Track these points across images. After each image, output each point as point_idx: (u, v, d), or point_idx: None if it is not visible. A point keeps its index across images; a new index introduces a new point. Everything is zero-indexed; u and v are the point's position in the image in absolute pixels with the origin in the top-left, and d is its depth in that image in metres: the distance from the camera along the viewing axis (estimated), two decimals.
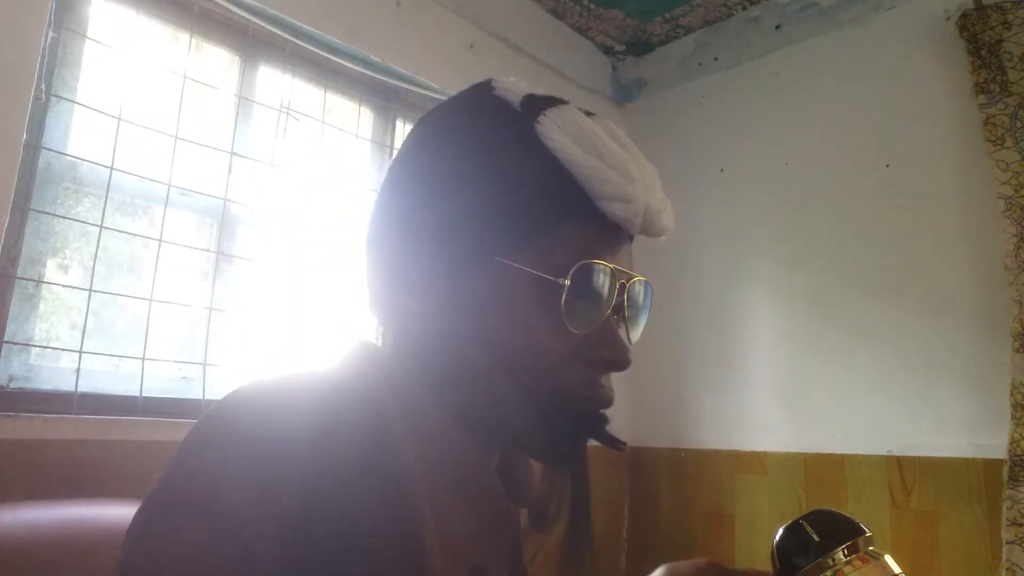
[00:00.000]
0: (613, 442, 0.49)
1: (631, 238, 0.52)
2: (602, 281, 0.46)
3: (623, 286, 0.48)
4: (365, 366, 0.50)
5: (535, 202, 0.46)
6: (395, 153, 0.54)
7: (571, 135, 0.46)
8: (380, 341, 0.58)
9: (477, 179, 0.47)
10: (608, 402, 0.48)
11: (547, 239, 0.46)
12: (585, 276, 0.46)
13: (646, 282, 0.52)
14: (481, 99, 0.51)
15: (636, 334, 0.52)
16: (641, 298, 0.51)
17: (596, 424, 0.48)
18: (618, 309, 0.48)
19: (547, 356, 0.46)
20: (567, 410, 0.47)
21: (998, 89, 1.53)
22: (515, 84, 0.51)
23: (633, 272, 0.50)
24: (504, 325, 0.46)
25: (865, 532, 0.43)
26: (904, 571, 0.41)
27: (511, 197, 0.46)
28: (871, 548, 0.42)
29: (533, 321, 0.46)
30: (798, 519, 0.44)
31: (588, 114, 0.50)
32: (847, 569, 0.41)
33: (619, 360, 0.47)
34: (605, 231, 0.47)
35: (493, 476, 0.49)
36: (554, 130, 0.46)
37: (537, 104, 0.48)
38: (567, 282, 0.45)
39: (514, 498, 0.51)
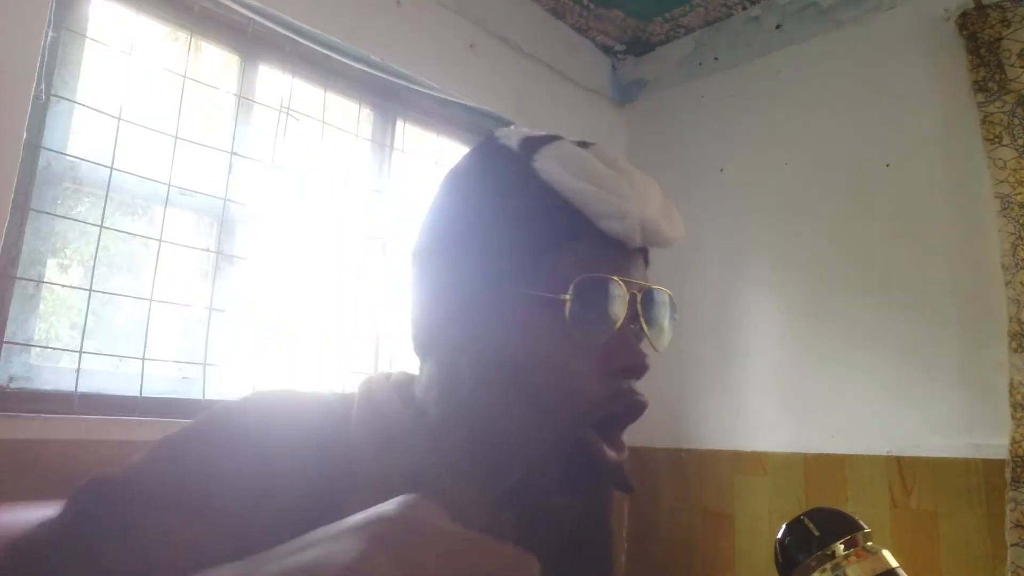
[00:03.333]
0: (625, 486, 0.50)
1: (644, 254, 0.55)
2: (607, 292, 0.49)
3: (634, 296, 0.50)
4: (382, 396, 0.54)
5: (538, 231, 0.49)
6: (431, 201, 0.59)
7: (563, 165, 0.50)
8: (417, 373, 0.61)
9: (491, 217, 0.51)
10: (638, 408, 0.50)
11: (552, 262, 0.49)
12: (587, 289, 0.48)
13: (663, 291, 0.53)
14: (487, 149, 0.56)
15: (661, 341, 0.53)
16: (658, 306, 0.53)
17: (609, 472, 0.49)
18: (633, 319, 0.50)
19: (568, 372, 0.48)
20: (584, 454, 0.48)
21: (996, 87, 1.53)
22: (514, 131, 0.56)
23: (647, 283, 0.52)
24: (524, 349, 0.49)
25: (864, 528, 0.45)
26: (902, 568, 0.43)
27: (517, 229, 0.50)
28: (869, 543, 0.44)
29: (548, 341, 0.48)
30: (799, 516, 0.46)
31: (584, 144, 0.54)
32: (845, 563, 0.43)
33: (633, 366, 0.49)
34: (608, 248, 0.50)
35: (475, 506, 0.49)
36: (548, 164, 0.50)
37: (533, 144, 0.52)
38: (568, 297, 0.47)
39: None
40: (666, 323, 0.54)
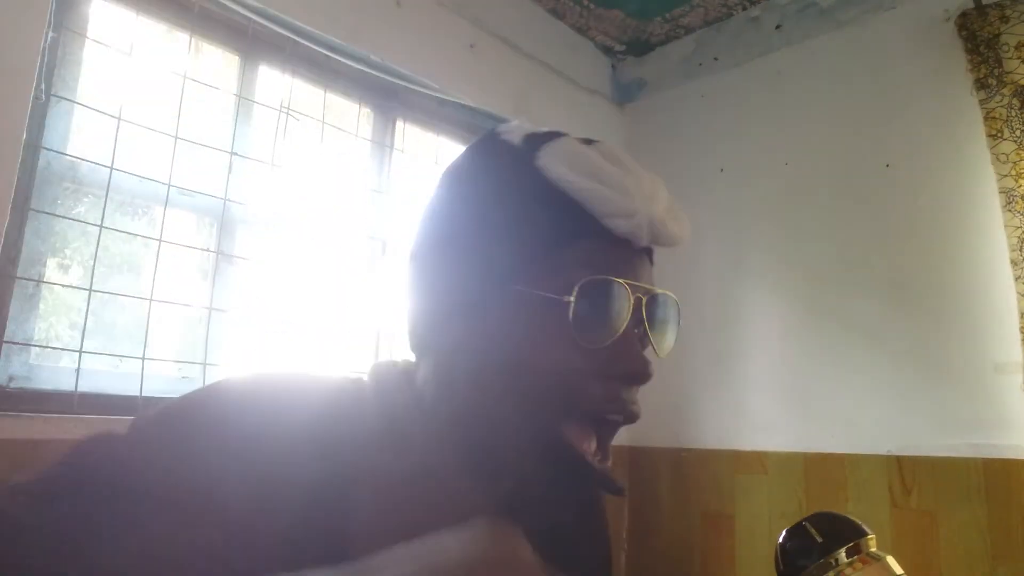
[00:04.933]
0: (613, 489, 0.49)
1: (649, 254, 0.54)
2: (612, 295, 0.47)
3: (639, 300, 0.48)
4: (385, 386, 0.53)
5: (541, 229, 0.48)
6: (427, 199, 0.58)
7: (567, 163, 0.48)
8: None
9: (492, 214, 0.50)
10: (631, 417, 0.49)
11: (555, 261, 0.48)
12: (592, 291, 0.47)
13: (669, 295, 0.52)
14: (489, 145, 0.55)
15: (664, 347, 0.52)
16: (663, 311, 0.51)
17: (592, 476, 0.48)
18: (637, 323, 0.49)
19: (568, 373, 0.47)
20: (570, 463, 0.47)
21: (995, 82, 1.53)
22: (517, 127, 0.54)
23: (653, 287, 0.51)
24: (525, 348, 0.47)
25: (867, 534, 0.44)
26: (905, 572, 0.42)
27: (520, 227, 0.48)
28: (873, 549, 0.43)
29: (550, 341, 0.47)
30: (801, 521, 0.45)
31: (588, 142, 0.52)
32: (849, 570, 0.42)
33: (635, 372, 0.48)
34: (614, 248, 0.49)
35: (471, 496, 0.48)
36: (552, 161, 0.49)
37: (536, 141, 0.51)
38: (573, 299, 0.46)
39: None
40: (670, 329, 0.52)
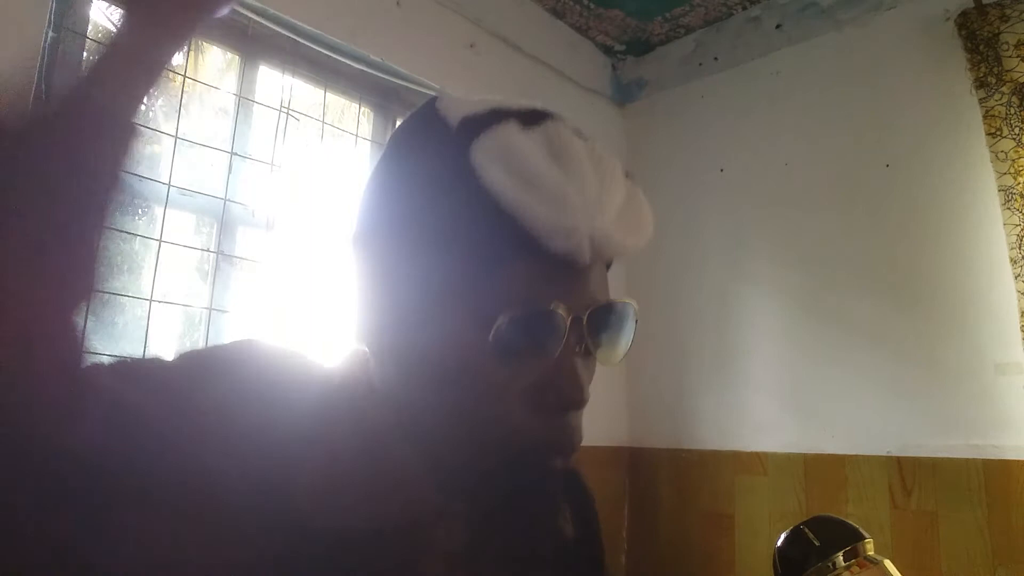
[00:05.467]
0: (581, 493, 0.48)
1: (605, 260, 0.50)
2: (542, 324, 0.44)
3: (578, 318, 0.45)
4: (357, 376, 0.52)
5: (477, 244, 0.44)
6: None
7: (503, 166, 0.43)
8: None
9: (429, 211, 0.45)
10: (565, 446, 0.46)
11: (489, 279, 0.44)
12: (519, 321, 0.43)
13: (616, 303, 0.47)
14: (426, 120, 0.49)
15: (612, 357, 0.49)
16: (610, 323, 0.47)
17: (553, 480, 0.46)
18: (577, 341, 0.45)
19: (498, 403, 0.44)
20: (514, 459, 0.45)
21: (995, 80, 1.53)
22: (457, 103, 0.48)
23: (598, 298, 0.46)
24: (455, 367, 0.45)
25: (865, 537, 0.44)
26: (904, 573, 0.42)
27: (455, 233, 0.44)
28: (871, 553, 0.43)
29: (479, 365, 0.44)
30: (799, 525, 0.45)
31: (534, 123, 0.46)
32: (847, 574, 0.42)
33: (567, 401, 0.45)
34: (552, 266, 0.44)
35: (422, 478, 0.47)
36: (485, 160, 0.43)
37: (472, 128, 0.45)
38: (500, 325, 0.43)
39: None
40: (621, 337, 0.48)
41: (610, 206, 0.45)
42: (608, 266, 0.51)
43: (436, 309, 0.45)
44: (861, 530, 0.44)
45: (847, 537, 0.44)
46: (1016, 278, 1.46)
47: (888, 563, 0.43)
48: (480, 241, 0.44)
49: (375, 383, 0.50)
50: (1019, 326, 1.44)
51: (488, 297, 0.44)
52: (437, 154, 0.46)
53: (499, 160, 0.43)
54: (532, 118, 0.46)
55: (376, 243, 0.49)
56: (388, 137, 0.52)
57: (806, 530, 0.45)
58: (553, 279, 0.44)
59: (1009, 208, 1.48)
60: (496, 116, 0.45)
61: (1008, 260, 1.47)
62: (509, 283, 0.44)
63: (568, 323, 0.44)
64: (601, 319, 0.46)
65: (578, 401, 0.45)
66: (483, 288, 0.44)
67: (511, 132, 0.44)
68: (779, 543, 0.46)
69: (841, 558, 0.43)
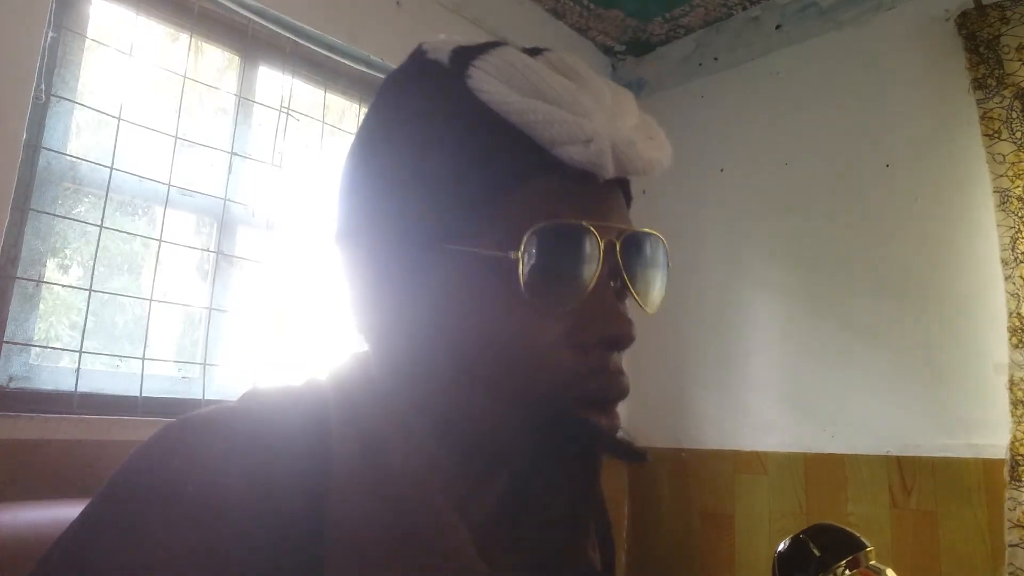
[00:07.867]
0: (629, 454, 0.40)
1: (623, 187, 0.44)
2: (573, 243, 0.38)
3: (611, 244, 0.39)
4: (351, 391, 0.45)
5: (477, 170, 0.38)
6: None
7: (506, 79, 0.39)
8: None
9: (416, 159, 0.40)
10: (618, 392, 0.40)
11: (499, 209, 0.38)
12: (544, 242, 0.37)
13: (651, 234, 0.42)
14: (413, 68, 0.44)
15: (651, 299, 0.42)
16: (646, 254, 0.41)
17: (598, 435, 0.39)
18: (612, 273, 0.39)
19: (523, 349, 0.38)
20: (562, 419, 0.38)
21: (995, 83, 1.53)
22: (445, 41, 0.44)
23: (629, 225, 0.41)
24: (467, 323, 0.39)
25: (866, 546, 0.43)
26: (904, 573, 0.41)
27: (452, 171, 0.39)
28: (872, 562, 0.43)
29: (498, 311, 0.38)
30: (799, 534, 0.45)
31: (536, 51, 0.42)
32: None
33: (616, 337, 0.39)
34: (571, 183, 0.38)
35: (462, 539, 0.40)
36: (486, 80, 0.39)
37: (466, 55, 0.41)
38: (520, 253, 0.37)
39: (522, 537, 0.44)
40: (657, 276, 0.42)
41: (629, 115, 0.41)
42: (628, 200, 0.45)
43: (439, 255, 0.40)
44: (863, 539, 0.43)
45: (848, 546, 0.43)
46: (1007, 279, 1.46)
47: (891, 572, 0.42)
48: (482, 168, 0.38)
49: (382, 382, 0.45)
50: (1006, 326, 1.44)
51: (495, 224, 0.38)
52: (429, 91, 0.42)
53: (499, 76, 0.39)
54: (533, 50, 0.43)
55: (367, 216, 0.44)
56: (372, 105, 0.47)
57: (807, 540, 0.44)
58: (573, 199, 0.39)
59: (1004, 210, 1.48)
60: (493, 44, 0.42)
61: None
62: (522, 204, 0.38)
63: (602, 249, 0.38)
64: (634, 249, 0.41)
65: (625, 336, 0.39)
66: (488, 216, 0.38)
67: (511, 51, 0.41)
68: (778, 552, 0.45)
69: (843, 568, 0.42)
